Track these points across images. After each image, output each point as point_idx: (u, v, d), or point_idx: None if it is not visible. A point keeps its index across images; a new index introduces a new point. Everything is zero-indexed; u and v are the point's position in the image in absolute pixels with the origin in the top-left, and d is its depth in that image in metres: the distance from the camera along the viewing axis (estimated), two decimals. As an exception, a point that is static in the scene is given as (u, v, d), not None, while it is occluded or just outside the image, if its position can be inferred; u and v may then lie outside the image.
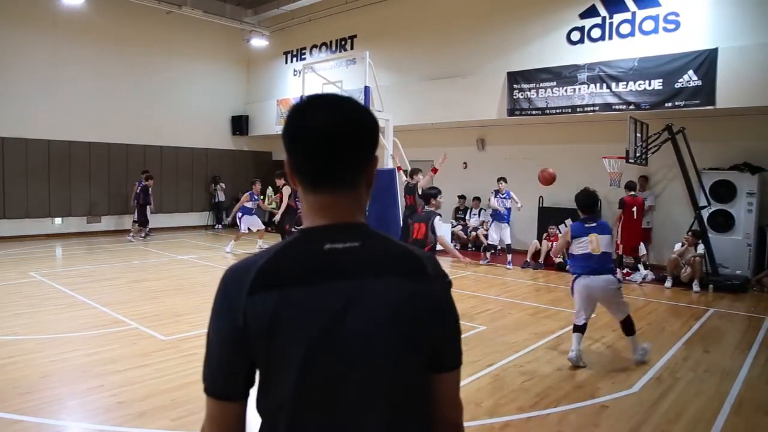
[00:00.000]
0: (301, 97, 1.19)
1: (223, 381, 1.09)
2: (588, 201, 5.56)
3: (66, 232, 14.64)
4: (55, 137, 14.52)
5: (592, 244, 5.35)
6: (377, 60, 13.56)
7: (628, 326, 5.45)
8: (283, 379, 1.05)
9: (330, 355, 1.04)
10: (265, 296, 1.04)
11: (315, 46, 17.03)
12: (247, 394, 1.11)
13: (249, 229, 12.72)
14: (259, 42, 17.56)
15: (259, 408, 1.11)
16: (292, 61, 17.78)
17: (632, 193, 10.05)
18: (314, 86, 14.21)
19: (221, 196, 17.57)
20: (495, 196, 11.41)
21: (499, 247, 12.11)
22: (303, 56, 17.32)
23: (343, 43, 16.25)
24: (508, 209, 11.38)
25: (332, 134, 1.08)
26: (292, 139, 1.11)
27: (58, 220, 14.66)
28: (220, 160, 18.11)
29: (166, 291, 8.35)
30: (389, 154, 10.80)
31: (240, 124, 18.42)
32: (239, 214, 12.60)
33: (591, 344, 6.04)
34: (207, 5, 16.35)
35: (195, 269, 10.43)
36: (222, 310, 1.08)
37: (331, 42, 16.58)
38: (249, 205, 12.53)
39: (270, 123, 17.37)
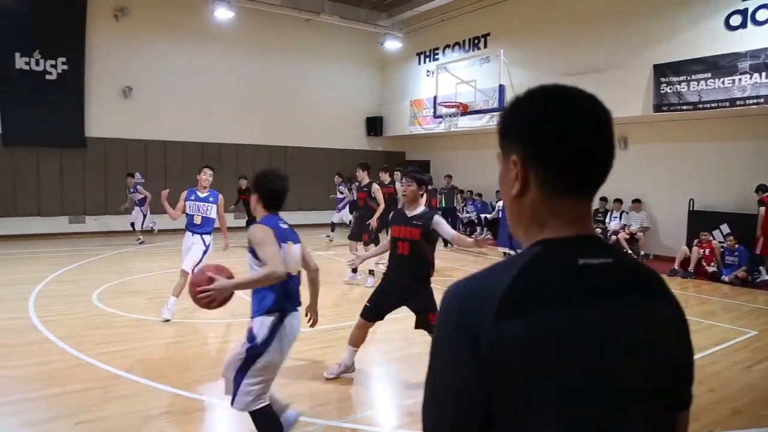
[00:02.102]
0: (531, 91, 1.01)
1: (456, 425, 0.89)
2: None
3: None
4: (206, 140, 15.98)
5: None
6: (511, 57, 13.30)
7: None
8: (537, 419, 0.86)
9: (594, 388, 0.88)
10: (518, 322, 0.86)
11: (448, 46, 17.05)
12: None
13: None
14: (392, 44, 17.92)
15: None
16: (425, 62, 17.94)
17: None
18: (447, 86, 14.25)
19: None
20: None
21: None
22: (436, 57, 17.41)
23: (476, 41, 16.10)
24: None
25: (602, 129, 0.97)
26: (560, 135, 0.95)
27: (210, 216, 16.02)
28: (356, 160, 18.69)
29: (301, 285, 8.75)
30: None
31: (374, 125, 18.97)
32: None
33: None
34: (343, 11, 16.99)
35: (328, 263, 10.87)
36: (459, 339, 0.89)
37: (463, 41, 16.49)
38: (188, 208, 6.87)
39: (403, 123, 17.68)
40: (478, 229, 15.32)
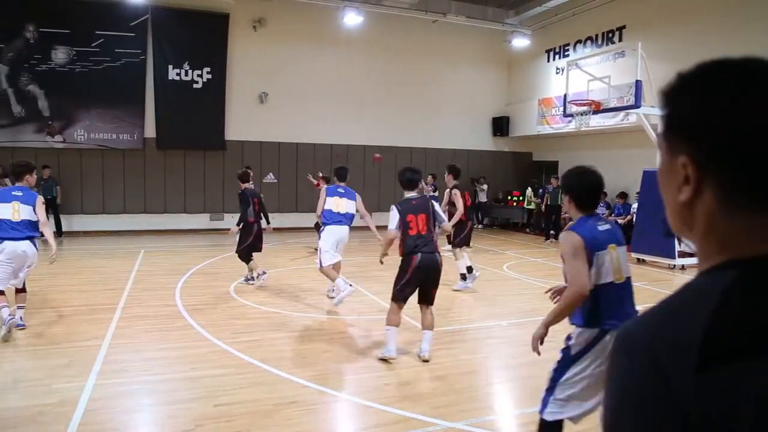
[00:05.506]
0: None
1: None
2: None
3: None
4: (335, 142, 16.58)
5: None
6: (649, 50, 12.43)
7: None
8: None
9: None
10: (733, 372, 0.67)
11: (579, 41, 16.30)
12: None
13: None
14: (520, 42, 17.47)
15: None
16: (554, 59, 17.30)
17: None
18: (578, 83, 13.64)
19: (483, 197, 17.90)
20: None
21: None
22: (566, 53, 16.72)
23: (610, 35, 15.25)
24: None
25: None
26: (757, 133, 0.72)
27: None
28: (481, 161, 18.51)
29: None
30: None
31: (501, 125, 18.61)
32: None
33: None
34: (469, 10, 16.83)
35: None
36: (644, 396, 0.70)
37: (596, 36, 15.69)
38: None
39: (531, 123, 17.19)
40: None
